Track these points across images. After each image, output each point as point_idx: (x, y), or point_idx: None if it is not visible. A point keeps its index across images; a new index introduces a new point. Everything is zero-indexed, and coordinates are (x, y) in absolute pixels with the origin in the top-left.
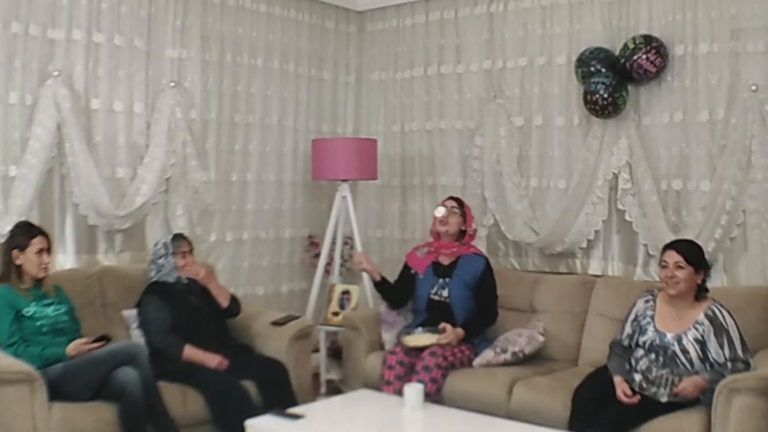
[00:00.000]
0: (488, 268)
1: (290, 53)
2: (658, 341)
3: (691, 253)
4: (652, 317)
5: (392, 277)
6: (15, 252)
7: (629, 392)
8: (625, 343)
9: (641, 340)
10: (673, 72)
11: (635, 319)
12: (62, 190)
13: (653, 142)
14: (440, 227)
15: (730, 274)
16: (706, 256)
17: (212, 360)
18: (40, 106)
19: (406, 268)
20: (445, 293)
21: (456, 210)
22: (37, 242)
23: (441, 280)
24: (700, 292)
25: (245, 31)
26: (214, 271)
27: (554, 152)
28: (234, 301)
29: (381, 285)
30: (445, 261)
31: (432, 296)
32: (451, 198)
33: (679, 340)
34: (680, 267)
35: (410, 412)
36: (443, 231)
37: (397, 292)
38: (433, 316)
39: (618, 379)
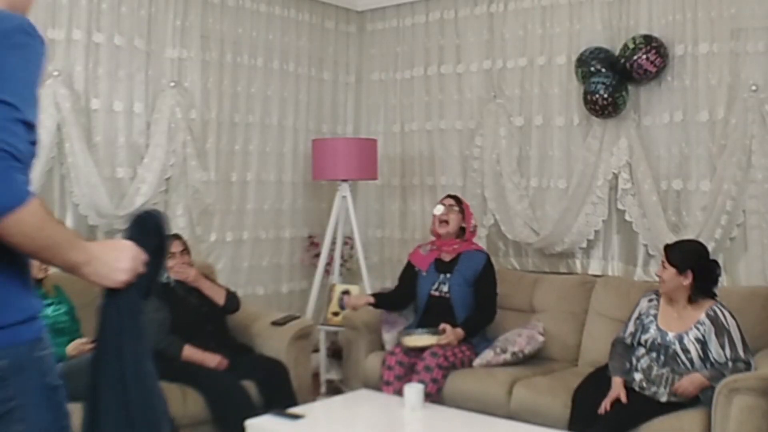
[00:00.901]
0: (489, 264)
1: (290, 53)
2: (659, 340)
3: (676, 254)
4: (655, 316)
5: (393, 278)
6: None
7: (611, 401)
8: (628, 341)
9: (643, 338)
10: (673, 72)
11: (638, 317)
12: (62, 190)
13: (653, 142)
14: (440, 228)
15: (730, 274)
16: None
17: (212, 360)
18: (40, 106)
19: (408, 266)
20: (445, 288)
21: (455, 208)
22: None
23: (442, 276)
24: (696, 294)
25: (245, 31)
26: (213, 271)
27: (554, 152)
28: (230, 297)
29: (378, 303)
30: (447, 258)
31: (432, 292)
32: (449, 196)
33: (681, 340)
34: (664, 267)
35: (410, 412)
36: (444, 232)
37: (395, 299)
38: (433, 313)
39: (617, 381)
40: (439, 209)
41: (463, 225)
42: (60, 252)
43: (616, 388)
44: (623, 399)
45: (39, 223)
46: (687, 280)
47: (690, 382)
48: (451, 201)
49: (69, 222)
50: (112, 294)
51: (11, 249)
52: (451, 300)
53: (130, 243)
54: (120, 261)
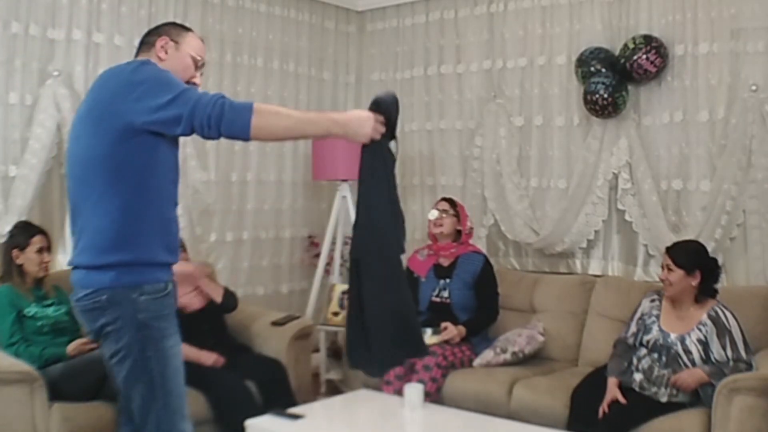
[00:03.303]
0: (487, 265)
1: (290, 53)
2: (661, 341)
3: (681, 255)
4: (657, 317)
5: None
6: (15, 251)
7: (608, 404)
8: (630, 341)
9: (645, 339)
10: (673, 72)
11: (641, 318)
12: (62, 190)
13: (653, 142)
14: (435, 229)
15: (730, 274)
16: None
17: (207, 358)
18: (40, 106)
19: (408, 272)
20: (445, 294)
21: (449, 211)
22: (36, 241)
23: (442, 282)
24: (701, 294)
25: (245, 31)
26: (213, 271)
27: (554, 152)
28: (228, 295)
29: None
30: (445, 262)
31: (433, 299)
32: (443, 199)
33: (683, 341)
34: (671, 270)
35: (410, 412)
36: (438, 233)
37: None
38: (434, 317)
39: (612, 382)
40: (433, 214)
41: (459, 227)
42: (304, 130)
43: (611, 390)
44: (621, 399)
45: (272, 116)
46: (695, 281)
47: (689, 374)
48: (445, 205)
49: (69, 222)
50: (366, 145)
51: (137, 206)
52: (452, 305)
53: (368, 113)
54: (363, 127)
